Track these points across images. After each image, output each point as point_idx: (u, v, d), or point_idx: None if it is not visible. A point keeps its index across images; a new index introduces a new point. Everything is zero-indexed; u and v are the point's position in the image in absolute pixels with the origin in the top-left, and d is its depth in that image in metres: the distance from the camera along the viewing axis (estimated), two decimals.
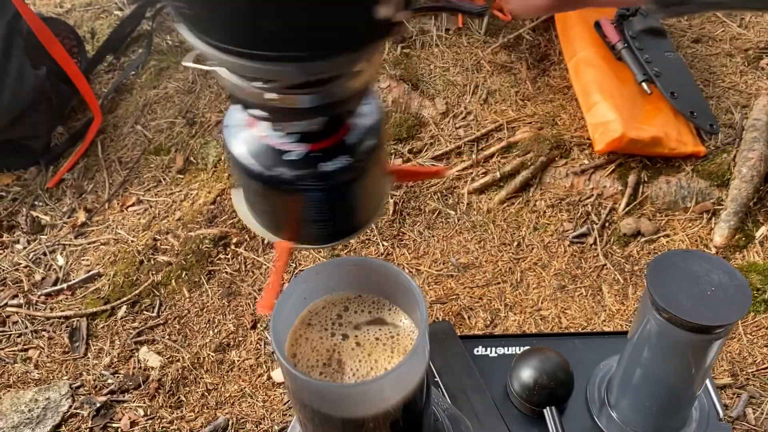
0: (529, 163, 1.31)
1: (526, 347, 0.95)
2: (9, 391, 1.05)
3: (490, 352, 0.94)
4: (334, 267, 0.48)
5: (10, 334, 1.16)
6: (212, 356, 1.09)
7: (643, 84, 1.36)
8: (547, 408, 0.83)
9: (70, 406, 1.03)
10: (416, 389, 0.46)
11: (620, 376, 0.83)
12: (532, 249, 1.24)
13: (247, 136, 0.66)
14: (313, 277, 0.48)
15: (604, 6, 0.56)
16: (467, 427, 0.58)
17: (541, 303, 1.16)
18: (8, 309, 1.20)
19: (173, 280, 1.21)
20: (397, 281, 0.47)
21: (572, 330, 1.12)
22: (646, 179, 1.30)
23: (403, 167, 0.85)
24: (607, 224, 1.26)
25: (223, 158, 1.42)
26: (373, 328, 0.50)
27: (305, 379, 0.42)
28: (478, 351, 0.93)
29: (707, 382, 0.88)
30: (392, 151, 1.36)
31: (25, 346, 1.14)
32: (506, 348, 0.93)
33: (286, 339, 0.48)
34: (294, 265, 1.24)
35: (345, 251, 1.24)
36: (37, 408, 1.00)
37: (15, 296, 1.22)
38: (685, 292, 0.67)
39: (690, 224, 1.26)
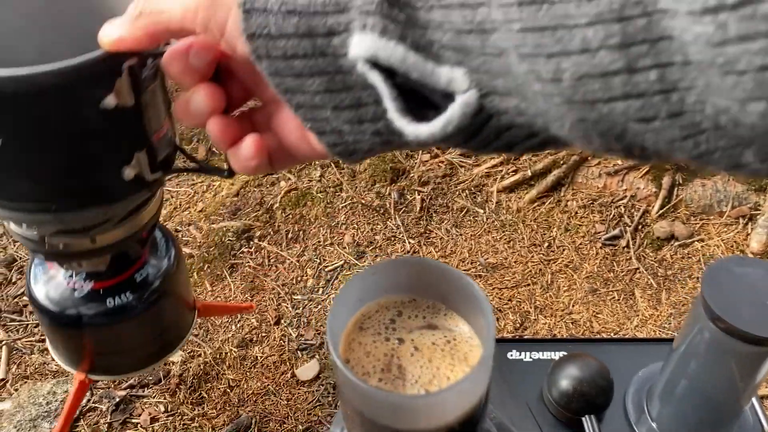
0: (561, 162, 1.28)
1: (563, 352, 0.92)
2: (26, 382, 1.03)
3: (525, 357, 0.90)
4: (392, 267, 0.45)
5: (27, 324, 1.13)
6: (234, 352, 1.07)
7: None
8: (586, 417, 0.80)
9: (89, 400, 1.01)
10: (480, 402, 0.43)
11: (663, 386, 0.80)
12: (563, 250, 1.21)
13: (45, 276, 0.77)
14: (369, 277, 0.45)
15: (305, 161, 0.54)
16: None
17: (572, 306, 1.12)
18: (25, 298, 1.18)
19: (195, 273, 1.19)
20: (459, 285, 0.44)
21: (604, 335, 1.09)
22: (680, 181, 1.26)
23: (208, 303, 0.94)
24: (640, 227, 1.23)
25: None
26: (428, 333, 0.47)
27: (368, 388, 0.39)
28: (511, 355, 0.89)
29: (753, 400, 0.85)
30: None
31: (42, 337, 1.11)
32: (541, 353, 0.90)
33: (341, 337, 0.45)
34: (318, 260, 1.21)
35: (370, 248, 1.21)
36: (55, 401, 0.97)
37: None
38: (742, 302, 0.63)
39: (726, 229, 1.22)
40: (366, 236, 1.23)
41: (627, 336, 1.09)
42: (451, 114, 0.29)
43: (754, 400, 0.82)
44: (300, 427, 0.96)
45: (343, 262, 1.20)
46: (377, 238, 1.22)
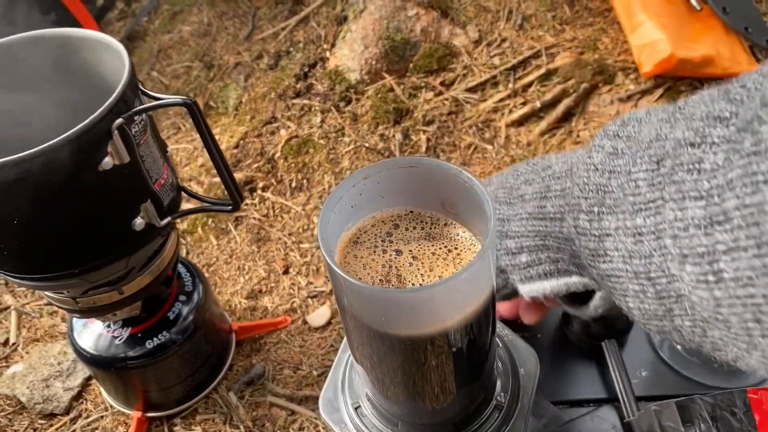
0: (571, 91, 1.22)
1: None
2: (37, 345, 1.02)
3: None
4: (384, 170, 0.42)
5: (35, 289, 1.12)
6: (244, 303, 1.04)
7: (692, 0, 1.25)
8: (606, 342, 0.77)
9: None
10: (483, 307, 0.40)
11: None
12: None
13: (86, 329, 0.82)
14: (360, 181, 0.41)
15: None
16: (530, 353, 0.52)
17: None
18: None
19: (199, 228, 1.16)
20: (456, 181, 0.40)
21: None
22: None
23: (243, 324, 0.98)
24: None
25: (244, 101, 1.35)
26: (426, 243, 0.44)
27: (363, 286, 0.36)
28: None
29: None
30: (423, 84, 1.28)
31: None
32: None
33: (335, 250, 0.42)
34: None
35: None
36: (67, 360, 0.96)
37: None
38: None
39: None
40: None
41: None
42: (596, 303, 0.52)
43: None
44: (314, 372, 0.94)
45: None
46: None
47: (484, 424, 0.48)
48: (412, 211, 0.46)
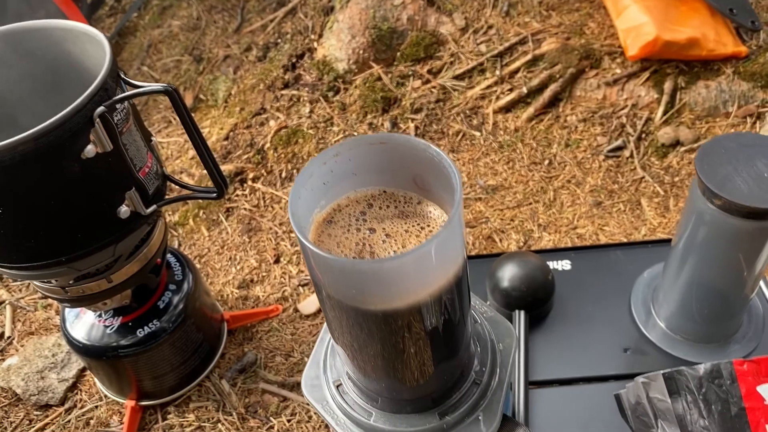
0: (557, 76, 1.23)
1: (567, 261, 0.90)
2: (31, 338, 1.03)
3: None
4: (355, 147, 0.42)
5: (30, 283, 1.13)
6: (236, 293, 1.05)
7: None
8: (516, 311, 0.78)
9: None
10: (456, 277, 0.40)
11: (666, 283, 0.77)
12: (565, 166, 1.17)
13: (78, 319, 0.83)
14: (331, 158, 0.42)
15: None
16: (508, 329, 0.53)
17: (577, 221, 1.09)
18: None
19: (191, 219, 1.17)
20: (425, 156, 0.41)
21: None
22: (683, 85, 1.21)
23: (234, 313, 0.99)
24: (643, 135, 1.19)
25: (233, 93, 1.36)
26: (399, 221, 0.45)
27: (335, 258, 0.37)
28: None
29: (761, 284, 0.82)
30: (410, 72, 1.29)
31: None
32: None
33: (309, 229, 0.42)
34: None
35: None
36: (61, 352, 0.97)
37: None
38: (739, 176, 0.60)
39: (733, 129, 1.17)
40: None
41: None
42: None
43: (762, 284, 0.79)
44: (305, 359, 0.95)
45: None
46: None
47: (463, 398, 0.49)
48: (385, 191, 0.47)
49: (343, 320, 0.43)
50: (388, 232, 0.44)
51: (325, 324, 0.57)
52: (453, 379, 0.49)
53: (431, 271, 0.38)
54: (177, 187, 0.78)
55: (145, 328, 0.80)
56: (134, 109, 0.66)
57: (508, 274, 0.80)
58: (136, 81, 0.67)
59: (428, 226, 0.44)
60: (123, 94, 0.61)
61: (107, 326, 0.81)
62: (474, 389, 0.50)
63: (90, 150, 0.58)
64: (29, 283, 1.12)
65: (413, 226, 0.44)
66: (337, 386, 0.51)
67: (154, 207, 0.68)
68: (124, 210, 0.64)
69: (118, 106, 0.61)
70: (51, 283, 0.70)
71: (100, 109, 0.58)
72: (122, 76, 0.64)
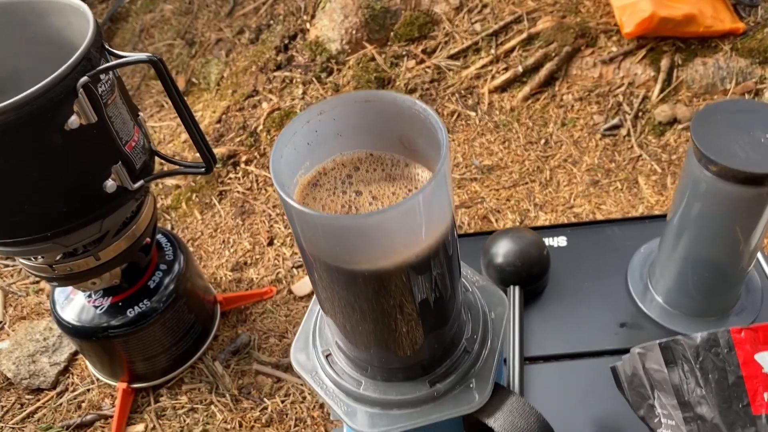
0: (553, 55, 1.22)
1: (563, 237, 0.89)
2: (23, 322, 1.02)
3: None
4: (340, 105, 0.41)
5: (21, 268, 1.12)
6: (230, 276, 1.04)
7: None
8: (512, 286, 0.77)
9: None
10: (443, 238, 0.39)
11: (662, 257, 0.76)
12: (561, 145, 1.16)
13: (67, 301, 0.82)
14: (315, 117, 0.41)
15: None
16: (500, 297, 0.52)
17: (574, 200, 1.08)
18: None
19: (184, 203, 1.16)
20: (411, 114, 0.40)
21: None
22: (680, 62, 1.20)
23: (228, 295, 0.98)
24: (640, 113, 1.17)
25: (225, 76, 1.34)
26: (387, 184, 0.44)
27: (317, 215, 0.36)
28: None
29: (759, 256, 0.80)
30: (404, 52, 1.27)
31: (36, 279, 1.10)
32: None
33: (293, 191, 0.41)
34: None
35: None
36: (53, 336, 0.96)
37: None
38: (736, 143, 0.58)
39: None
40: None
41: None
42: None
43: (759, 256, 0.78)
44: None
45: None
46: None
47: (453, 366, 0.48)
48: (372, 154, 0.46)
49: (329, 285, 0.42)
50: (375, 195, 0.43)
51: (314, 296, 0.56)
52: (443, 347, 0.48)
53: (417, 228, 0.37)
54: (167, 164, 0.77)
55: (135, 308, 0.79)
56: (120, 82, 0.65)
57: (502, 249, 0.78)
58: (126, 66, 0.66)
59: (416, 188, 0.43)
60: (107, 64, 0.60)
61: (97, 307, 0.80)
62: (465, 357, 0.49)
63: (74, 121, 0.57)
64: (20, 269, 1.11)
65: (400, 188, 0.43)
66: (327, 356, 0.50)
67: (141, 182, 0.67)
68: (110, 184, 0.63)
69: (102, 76, 0.59)
70: (38, 260, 0.68)
71: (84, 79, 0.57)
72: (106, 46, 0.63)
